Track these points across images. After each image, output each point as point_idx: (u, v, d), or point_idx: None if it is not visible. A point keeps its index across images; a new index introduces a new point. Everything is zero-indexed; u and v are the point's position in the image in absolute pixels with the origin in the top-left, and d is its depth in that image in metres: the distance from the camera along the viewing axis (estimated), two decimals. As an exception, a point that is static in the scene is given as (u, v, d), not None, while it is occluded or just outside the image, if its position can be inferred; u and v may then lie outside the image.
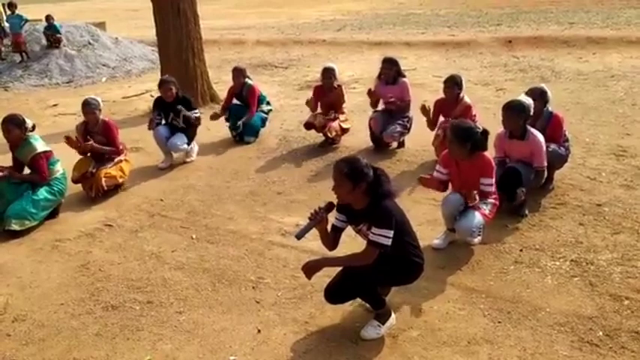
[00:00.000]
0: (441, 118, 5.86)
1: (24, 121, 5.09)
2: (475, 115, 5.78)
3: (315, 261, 3.31)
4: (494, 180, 4.11)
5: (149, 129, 6.42)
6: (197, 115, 6.52)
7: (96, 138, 5.66)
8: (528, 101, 4.53)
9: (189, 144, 6.56)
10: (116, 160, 5.73)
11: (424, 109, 5.82)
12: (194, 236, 4.79)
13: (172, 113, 6.44)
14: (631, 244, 4.17)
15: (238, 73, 7.20)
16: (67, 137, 5.55)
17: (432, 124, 5.91)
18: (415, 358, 3.14)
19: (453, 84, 5.71)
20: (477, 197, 3.98)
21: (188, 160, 6.63)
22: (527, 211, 4.69)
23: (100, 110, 5.68)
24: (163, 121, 6.47)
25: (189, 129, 6.53)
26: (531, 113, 4.54)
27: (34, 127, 5.21)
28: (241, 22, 22.22)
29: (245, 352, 3.27)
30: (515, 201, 4.48)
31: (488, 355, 3.13)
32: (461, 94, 5.75)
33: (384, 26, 17.78)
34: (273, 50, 15.21)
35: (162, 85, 6.40)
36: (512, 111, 4.51)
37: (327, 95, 6.70)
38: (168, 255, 4.49)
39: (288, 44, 15.87)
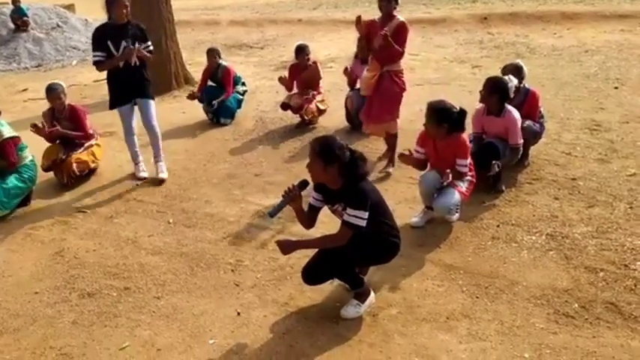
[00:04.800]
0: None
1: (-11, 108, 4.95)
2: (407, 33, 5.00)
3: (289, 242, 3.30)
4: (468, 161, 4.12)
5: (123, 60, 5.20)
6: (150, 48, 5.54)
7: (63, 124, 5.47)
8: (512, 82, 4.50)
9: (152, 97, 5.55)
10: (86, 145, 5.60)
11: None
12: (171, 220, 4.73)
13: (127, 41, 5.21)
14: (605, 217, 4.23)
15: (212, 53, 7.12)
16: (34, 125, 5.30)
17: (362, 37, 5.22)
18: (395, 335, 3.15)
19: None
20: (451, 177, 4.03)
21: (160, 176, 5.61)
22: (503, 187, 4.72)
23: (65, 95, 5.48)
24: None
25: (143, 69, 5.41)
26: (511, 95, 4.53)
27: (-1, 113, 5.07)
28: (215, 2, 21.84)
29: (225, 335, 3.25)
30: (491, 172, 4.46)
31: (467, 330, 3.16)
32: (395, 12, 4.97)
33: (359, 4, 17.61)
34: (248, 30, 15.00)
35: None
36: (490, 87, 4.53)
37: (302, 73, 6.63)
38: (145, 240, 4.43)
39: (263, 24, 15.67)
